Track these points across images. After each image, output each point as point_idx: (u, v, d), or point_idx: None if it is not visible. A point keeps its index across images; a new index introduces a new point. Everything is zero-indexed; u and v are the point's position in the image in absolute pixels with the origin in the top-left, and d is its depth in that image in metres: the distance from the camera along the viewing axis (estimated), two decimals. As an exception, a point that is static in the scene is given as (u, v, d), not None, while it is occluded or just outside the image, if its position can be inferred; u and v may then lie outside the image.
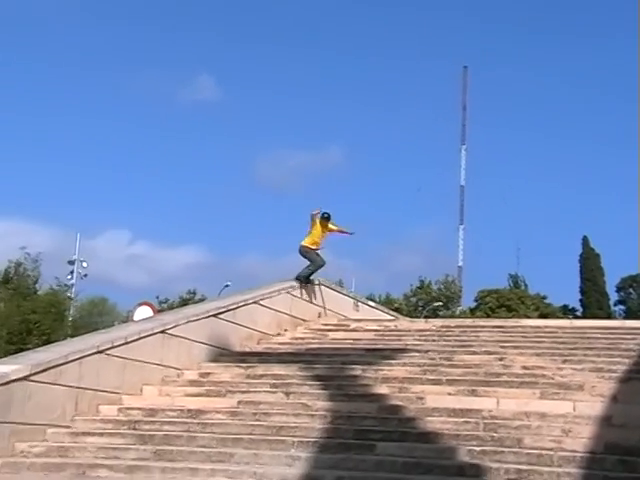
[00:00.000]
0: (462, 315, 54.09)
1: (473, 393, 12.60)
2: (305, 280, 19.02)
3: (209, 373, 14.71)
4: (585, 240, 69.91)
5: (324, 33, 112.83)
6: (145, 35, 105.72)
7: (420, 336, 17.25)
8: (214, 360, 15.48)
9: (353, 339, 17.47)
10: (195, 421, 12.22)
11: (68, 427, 12.11)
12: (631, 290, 70.98)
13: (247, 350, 16.48)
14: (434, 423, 11.49)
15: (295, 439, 11.16)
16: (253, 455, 10.76)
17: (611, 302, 69.68)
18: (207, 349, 15.60)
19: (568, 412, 11.62)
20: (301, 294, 19.01)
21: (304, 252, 18.94)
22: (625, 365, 13.64)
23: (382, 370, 14.09)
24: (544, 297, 63.16)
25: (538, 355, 14.66)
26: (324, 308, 19.60)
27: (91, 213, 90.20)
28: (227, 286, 42.28)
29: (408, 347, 15.93)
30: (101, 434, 11.94)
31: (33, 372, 11.61)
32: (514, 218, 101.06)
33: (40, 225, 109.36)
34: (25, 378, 11.48)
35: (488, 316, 47.37)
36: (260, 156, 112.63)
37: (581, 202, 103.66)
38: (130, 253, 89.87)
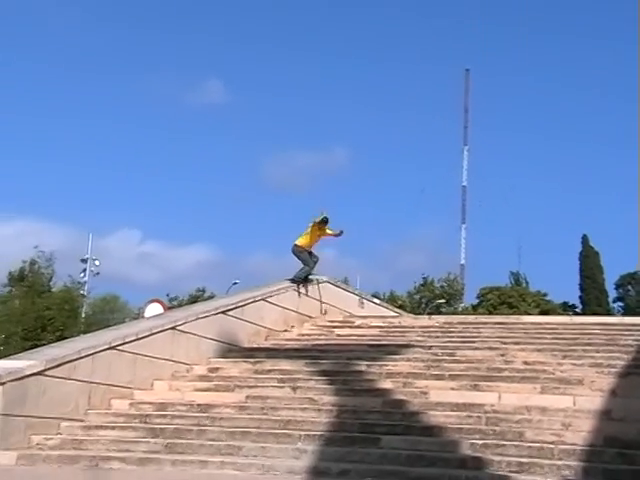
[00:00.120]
0: (464, 312, 53.95)
1: (475, 388, 12.60)
2: (302, 281, 18.73)
3: (218, 368, 14.72)
4: (585, 239, 69.87)
5: (329, 37, 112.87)
6: (156, 40, 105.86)
7: (423, 332, 17.24)
8: (223, 356, 15.48)
9: (358, 335, 17.46)
10: (204, 415, 12.24)
11: (81, 421, 12.15)
12: (629, 287, 70.88)
13: (255, 346, 16.48)
14: (437, 417, 11.49)
15: (302, 433, 11.17)
16: (261, 448, 10.78)
17: (610, 299, 69.66)
18: (216, 345, 15.61)
19: (568, 406, 11.61)
20: (307, 291, 18.94)
21: (298, 252, 18.58)
22: (624, 360, 13.62)
23: (386, 365, 14.09)
24: (545, 294, 63.07)
25: (539, 351, 14.64)
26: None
27: (103, 213, 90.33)
28: (235, 284, 42.29)
29: (412, 343, 15.93)
30: (113, 427, 11.97)
31: (47, 367, 11.66)
32: (515, 217, 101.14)
33: (54, 225, 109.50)
34: (40, 373, 11.52)
35: (490, 313, 47.32)
36: (266, 157, 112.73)
37: (581, 202, 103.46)
38: (141, 252, 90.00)
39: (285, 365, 14.55)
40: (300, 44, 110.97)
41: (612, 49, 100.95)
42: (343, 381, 13.38)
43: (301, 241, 18.43)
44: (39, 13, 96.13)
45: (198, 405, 12.65)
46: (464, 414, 11.53)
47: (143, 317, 21.90)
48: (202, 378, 14.24)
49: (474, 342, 15.85)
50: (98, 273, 50.98)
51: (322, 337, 17.52)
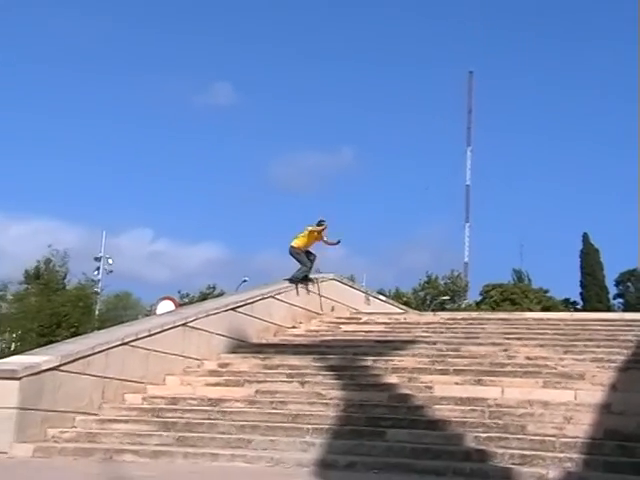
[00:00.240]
0: (468, 308, 53.88)
1: (479, 382, 12.59)
2: (301, 281, 18.44)
3: (228, 364, 14.74)
4: (585, 237, 69.61)
5: (336, 41, 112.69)
6: (166, 43, 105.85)
7: (428, 328, 17.24)
8: (233, 351, 15.50)
9: (364, 331, 17.46)
10: (215, 409, 12.26)
11: (96, 414, 12.18)
12: (629, 284, 70.59)
13: (264, 342, 16.49)
14: (442, 411, 11.48)
15: (310, 426, 11.18)
16: (270, 441, 10.79)
17: (610, 295, 69.34)
18: (226, 341, 15.63)
19: (569, 400, 11.60)
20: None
21: (294, 253, 18.30)
22: (624, 355, 13.60)
23: (392, 361, 14.08)
24: (546, 291, 62.90)
25: (541, 346, 14.63)
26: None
27: (116, 212, 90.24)
28: (245, 281, 42.23)
29: (417, 339, 15.92)
30: (127, 421, 11.99)
31: (63, 363, 11.69)
32: (518, 216, 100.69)
33: (68, 224, 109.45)
34: (55, 368, 11.56)
35: (493, 309, 47.19)
36: (274, 158, 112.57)
37: (581, 201, 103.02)
38: (152, 250, 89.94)
39: (293, 360, 14.56)
40: (307, 47, 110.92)
41: (612, 50, 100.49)
42: (350, 376, 13.38)
43: (297, 242, 18.18)
44: (54, 17, 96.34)
45: (209, 399, 12.66)
46: (468, 408, 11.53)
47: (155, 314, 21.93)
48: (213, 373, 14.26)
49: (478, 338, 15.85)
50: (111, 271, 51.03)
51: (329, 333, 17.53)
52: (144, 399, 12.91)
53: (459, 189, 78.75)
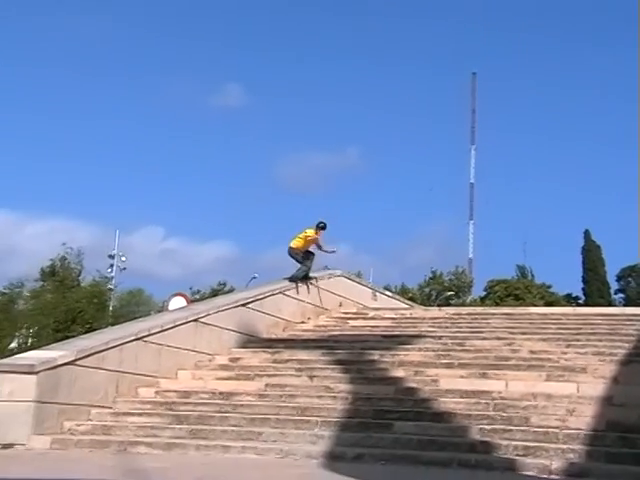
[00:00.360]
0: (473, 304, 53.71)
1: (484, 376, 12.58)
2: (301, 280, 18.12)
3: (238, 358, 14.75)
4: (587, 233, 69.49)
5: (342, 44, 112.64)
6: (180, 47, 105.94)
7: (434, 323, 17.23)
8: (243, 346, 15.51)
9: (371, 326, 17.46)
10: (226, 402, 12.27)
11: (110, 408, 12.21)
12: (630, 279, 70.46)
13: (273, 337, 16.50)
14: (447, 404, 11.48)
15: (319, 419, 11.18)
16: (280, 434, 10.79)
17: (611, 291, 69.27)
18: (236, 336, 15.65)
19: (572, 393, 11.58)
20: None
21: (293, 254, 18.00)
22: (625, 349, 13.57)
23: (399, 355, 14.08)
24: (549, 286, 62.79)
25: (544, 340, 14.61)
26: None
27: (128, 211, 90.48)
28: (254, 278, 42.23)
29: (423, 333, 15.91)
30: (140, 414, 12.01)
31: (78, 357, 11.73)
32: (521, 214, 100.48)
33: (83, 223, 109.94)
34: (71, 363, 11.60)
35: (497, 304, 47.09)
36: (282, 158, 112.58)
37: (583, 199, 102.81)
38: (164, 248, 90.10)
39: (302, 355, 14.56)
40: (314, 50, 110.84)
41: (612, 52, 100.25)
42: (357, 370, 13.39)
43: (295, 243, 17.90)
44: (73, 22, 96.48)
45: (220, 393, 12.68)
46: (473, 401, 11.51)
47: (167, 310, 21.95)
48: (224, 367, 14.27)
49: (482, 332, 15.83)
50: (125, 268, 51.15)
51: (337, 328, 17.53)
52: (157, 393, 12.93)
53: (463, 187, 78.60)
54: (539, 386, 11.91)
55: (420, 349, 14.50)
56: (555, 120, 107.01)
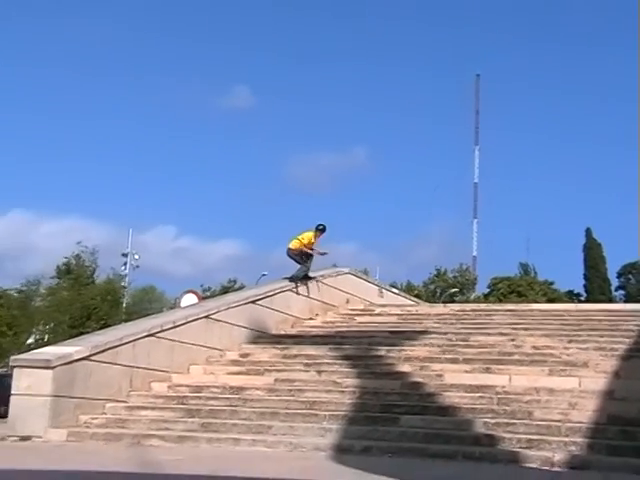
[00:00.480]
0: (476, 300, 53.64)
1: (487, 371, 12.56)
2: (301, 280, 17.77)
3: (248, 354, 14.77)
4: (588, 231, 69.23)
5: (349, 46, 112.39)
6: (189, 50, 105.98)
7: (439, 319, 17.21)
8: (253, 342, 15.53)
9: (378, 322, 17.46)
10: (237, 397, 12.29)
11: (124, 402, 12.25)
12: (630, 276, 70.17)
13: (282, 333, 16.51)
14: (452, 398, 11.47)
15: (327, 413, 11.20)
16: (289, 427, 10.81)
17: (612, 287, 69.02)
18: (246, 332, 15.67)
19: (574, 387, 11.56)
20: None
21: (292, 255, 17.65)
22: (626, 344, 13.54)
23: (404, 350, 14.07)
24: (551, 283, 62.59)
25: (546, 336, 14.58)
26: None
27: (141, 211, 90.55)
28: (264, 275, 42.22)
29: (428, 329, 15.90)
30: (153, 408, 12.05)
31: (93, 353, 11.78)
32: (524, 212, 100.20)
33: (97, 222, 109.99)
34: (86, 358, 11.64)
35: (500, 301, 46.97)
36: (290, 158, 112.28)
37: (584, 198, 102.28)
38: (176, 246, 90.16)
39: (310, 350, 14.57)
40: (320, 52, 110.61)
41: (613, 54, 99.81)
42: (364, 365, 13.39)
43: (294, 244, 17.56)
44: (86, 26, 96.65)
45: (231, 388, 12.70)
46: (477, 395, 11.51)
47: (179, 307, 21.97)
48: (234, 363, 14.29)
49: (486, 328, 15.81)
50: (138, 266, 51.24)
51: (344, 324, 17.53)
52: (169, 387, 12.96)
53: (467, 187, 78.40)
54: (542, 381, 11.90)
55: (425, 345, 14.49)
56: (557, 121, 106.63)
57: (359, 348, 14.57)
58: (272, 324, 16.61)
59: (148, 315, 19.45)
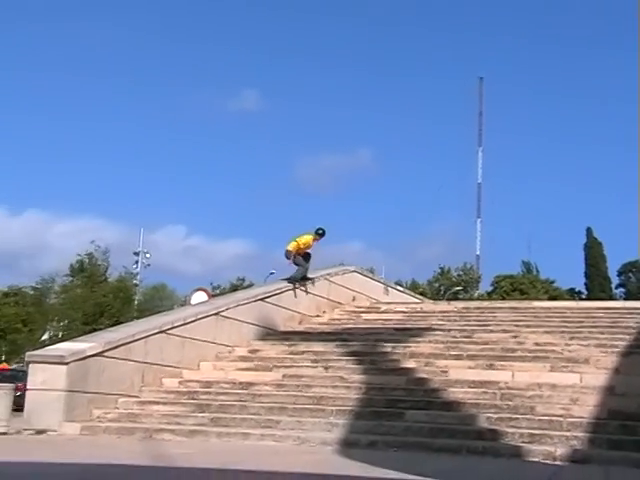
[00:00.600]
0: (480, 298, 53.53)
1: (491, 367, 12.55)
2: (299, 281, 17.44)
3: (257, 350, 14.78)
4: (589, 231, 69.09)
5: (354, 49, 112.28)
6: (200, 55, 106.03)
7: (443, 317, 17.20)
8: (261, 338, 15.55)
9: (384, 320, 17.45)
10: (246, 392, 12.31)
11: (136, 397, 12.27)
12: (630, 275, 70.01)
13: (290, 330, 16.51)
14: (456, 393, 11.47)
15: (333, 408, 11.20)
16: (297, 422, 10.82)
17: (612, 285, 68.87)
18: (255, 329, 15.68)
19: (575, 383, 11.55)
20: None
21: (290, 256, 17.23)
22: (626, 341, 13.51)
23: (410, 347, 14.07)
24: (553, 281, 62.44)
25: (548, 333, 14.56)
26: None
27: (152, 211, 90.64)
28: (272, 274, 42.23)
29: (433, 326, 15.90)
30: (165, 403, 12.08)
31: (106, 349, 11.80)
32: (526, 212, 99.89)
33: (110, 221, 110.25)
34: (99, 354, 11.67)
35: (503, 299, 46.91)
36: (297, 160, 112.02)
37: (585, 198, 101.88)
38: (186, 245, 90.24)
39: (318, 347, 14.58)
40: (327, 56, 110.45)
41: (613, 56, 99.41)
42: (370, 361, 13.38)
43: (292, 246, 17.27)
44: (98, 30, 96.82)
45: (240, 383, 12.72)
46: (480, 390, 11.50)
47: (189, 304, 21.99)
48: (243, 359, 14.31)
49: (489, 325, 15.79)
50: (149, 265, 51.42)
51: (351, 321, 17.52)
52: (180, 383, 12.99)
53: (471, 187, 78.25)
54: (544, 376, 11.88)
55: (430, 341, 14.48)
56: (558, 122, 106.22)
57: (365, 345, 14.57)
58: (280, 321, 16.62)
59: (159, 312, 19.49)
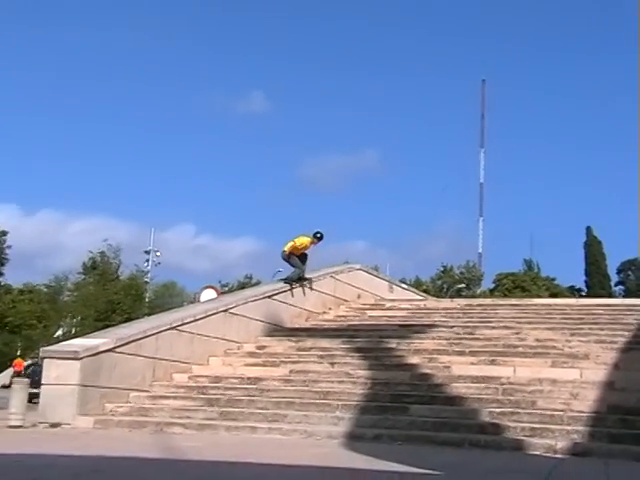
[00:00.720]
0: (482, 295, 53.47)
1: (493, 362, 12.54)
2: (296, 282, 17.10)
3: (265, 346, 14.80)
4: (589, 230, 68.92)
5: (359, 52, 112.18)
6: (208, 58, 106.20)
7: (446, 313, 17.18)
8: (269, 335, 15.56)
9: (388, 316, 17.44)
10: (254, 387, 12.32)
11: (147, 391, 12.30)
12: (630, 272, 69.85)
13: (297, 326, 16.53)
14: (459, 388, 11.46)
15: (339, 402, 11.21)
16: (303, 416, 10.83)
17: (612, 283, 68.75)
18: (263, 325, 15.69)
19: (576, 378, 11.53)
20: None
21: (287, 257, 16.92)
22: (625, 337, 13.49)
23: (414, 343, 14.06)
24: (553, 279, 62.39)
25: (549, 329, 14.54)
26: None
27: (162, 210, 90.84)
28: (279, 272, 42.25)
29: (436, 323, 15.89)
30: (175, 397, 12.10)
31: (118, 345, 11.83)
32: (527, 211, 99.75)
33: (122, 221, 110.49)
34: (111, 350, 11.70)
35: (505, 296, 46.83)
36: (304, 160, 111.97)
37: (585, 197, 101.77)
38: (195, 244, 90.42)
39: (324, 343, 14.58)
40: (333, 58, 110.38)
41: (613, 57, 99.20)
42: (375, 357, 13.39)
43: (290, 247, 16.92)
44: (108, 37, 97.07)
45: (248, 378, 12.74)
46: (483, 386, 11.49)
47: (199, 301, 22.03)
48: (251, 355, 14.33)
49: (491, 322, 15.78)
50: (159, 263, 51.41)
51: (356, 318, 17.52)
52: (190, 378, 13.01)
53: (474, 187, 78.14)
54: (545, 372, 11.87)
55: (434, 337, 14.48)
56: (558, 123, 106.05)
57: (370, 341, 14.57)
58: (287, 318, 16.63)
59: (170, 309, 19.52)
